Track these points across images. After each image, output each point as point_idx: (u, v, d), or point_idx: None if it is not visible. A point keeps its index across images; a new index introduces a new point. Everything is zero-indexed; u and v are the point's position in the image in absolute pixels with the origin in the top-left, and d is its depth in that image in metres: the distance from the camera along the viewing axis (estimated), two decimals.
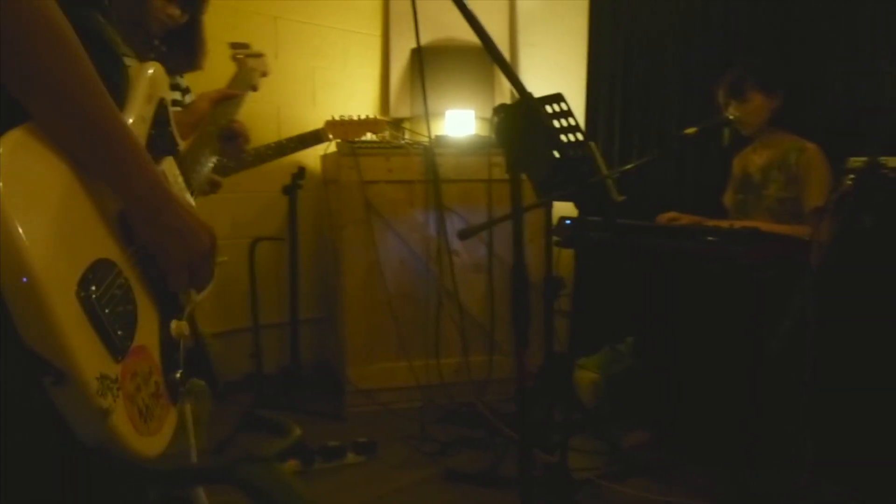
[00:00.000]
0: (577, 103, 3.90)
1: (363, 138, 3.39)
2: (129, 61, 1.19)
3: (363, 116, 3.32)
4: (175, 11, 2.34)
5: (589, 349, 3.45)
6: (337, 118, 3.27)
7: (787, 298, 2.07)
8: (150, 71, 1.17)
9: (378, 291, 3.42)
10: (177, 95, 2.52)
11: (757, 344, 2.27)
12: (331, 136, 3.24)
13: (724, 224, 2.61)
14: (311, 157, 3.85)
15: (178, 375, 1.06)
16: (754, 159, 2.94)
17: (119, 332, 0.90)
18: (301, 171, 3.55)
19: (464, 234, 2.40)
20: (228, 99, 1.74)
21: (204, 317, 3.53)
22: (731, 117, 2.82)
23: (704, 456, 2.64)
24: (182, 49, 2.48)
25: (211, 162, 1.57)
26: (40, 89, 0.86)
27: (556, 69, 4.20)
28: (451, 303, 3.46)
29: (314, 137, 3.21)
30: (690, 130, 2.70)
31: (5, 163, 0.80)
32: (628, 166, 2.96)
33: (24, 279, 0.77)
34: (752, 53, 3.08)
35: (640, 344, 3.15)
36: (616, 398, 3.21)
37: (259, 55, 2.05)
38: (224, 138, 1.68)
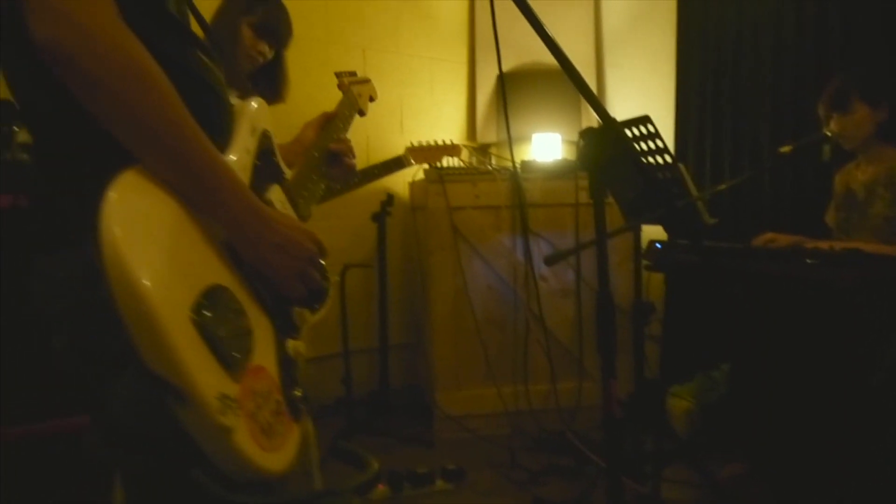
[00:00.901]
0: (665, 124, 3.83)
1: (447, 164, 3.44)
2: (231, 98, 1.24)
3: (441, 141, 3.37)
4: (264, 48, 2.45)
5: (682, 376, 3.35)
6: (416, 143, 3.34)
7: (894, 325, 1.96)
8: (253, 105, 1.22)
9: (466, 317, 3.43)
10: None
11: (861, 373, 2.15)
12: (412, 161, 3.30)
13: (825, 245, 2.50)
14: (400, 184, 3.92)
15: (297, 393, 1.08)
16: (857, 175, 2.80)
17: (235, 354, 0.94)
18: (390, 199, 3.61)
19: (550, 260, 2.38)
20: (331, 122, 1.79)
21: None
22: (829, 133, 2.70)
23: (805, 490, 2.51)
24: (267, 83, 2.58)
25: (318, 186, 1.61)
26: (131, 129, 0.91)
27: (644, 90, 4.14)
28: (540, 328, 3.43)
29: (397, 163, 3.30)
30: (785, 149, 2.60)
31: (118, 204, 0.85)
32: (720, 187, 2.87)
33: (142, 309, 0.83)
34: (851, 65, 2.95)
35: (736, 371, 3.03)
36: (711, 427, 3.10)
37: (365, 80, 2.11)
38: (328, 161, 1.72)
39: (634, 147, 2.46)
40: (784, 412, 2.60)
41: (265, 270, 1.06)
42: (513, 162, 2.62)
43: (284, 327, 1.12)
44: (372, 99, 2.11)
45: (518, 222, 3.46)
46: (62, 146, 1.00)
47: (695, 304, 3.57)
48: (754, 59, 3.46)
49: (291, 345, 1.11)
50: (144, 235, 0.88)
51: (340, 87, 2.11)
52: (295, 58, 2.66)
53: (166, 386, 0.85)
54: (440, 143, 3.38)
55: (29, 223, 1.06)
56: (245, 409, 0.92)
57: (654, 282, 3.33)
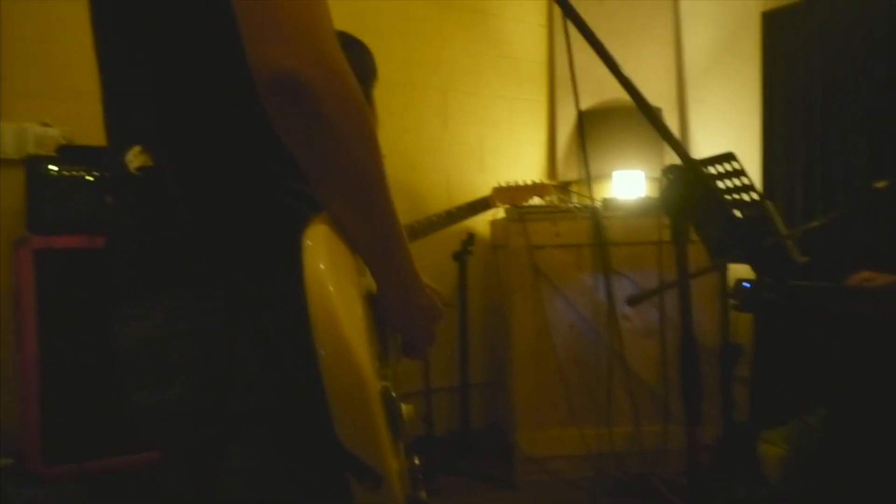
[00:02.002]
0: (752, 159, 3.74)
1: (531, 202, 3.42)
2: None
3: (530, 181, 3.35)
4: None
5: (774, 421, 3.21)
6: (504, 184, 3.32)
7: None
8: None
9: (547, 356, 3.39)
10: None
11: None
12: (498, 203, 3.27)
13: None
14: (481, 223, 3.93)
15: (416, 462, 1.00)
16: None
17: (401, 427, 0.86)
18: (470, 238, 3.63)
19: (632, 301, 2.35)
20: None
21: None
22: None
23: None
24: None
25: None
26: (344, 177, 0.84)
27: (729, 124, 4.05)
28: (623, 368, 3.36)
29: (482, 204, 3.26)
30: (881, 184, 2.50)
31: (322, 256, 0.78)
32: (812, 224, 2.78)
33: (356, 380, 0.74)
34: None
35: (833, 416, 2.89)
36: (806, 475, 2.96)
37: None
38: None
39: (716, 187, 2.41)
40: (883, 460, 2.47)
41: (404, 331, 1.01)
42: (591, 199, 2.57)
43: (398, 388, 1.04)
44: None
45: (600, 261, 3.42)
46: (222, 187, 0.90)
47: (786, 346, 3.43)
48: (846, 90, 3.35)
49: (404, 409, 1.00)
50: (341, 291, 0.78)
51: None
52: (379, 101, 2.72)
53: (365, 470, 0.74)
54: (528, 182, 3.31)
55: (130, 265, 0.92)
56: (401, 485, 0.82)
57: (743, 322, 3.23)
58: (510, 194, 3.28)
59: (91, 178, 2.59)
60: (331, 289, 0.75)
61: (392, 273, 0.93)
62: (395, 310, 0.96)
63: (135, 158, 0.88)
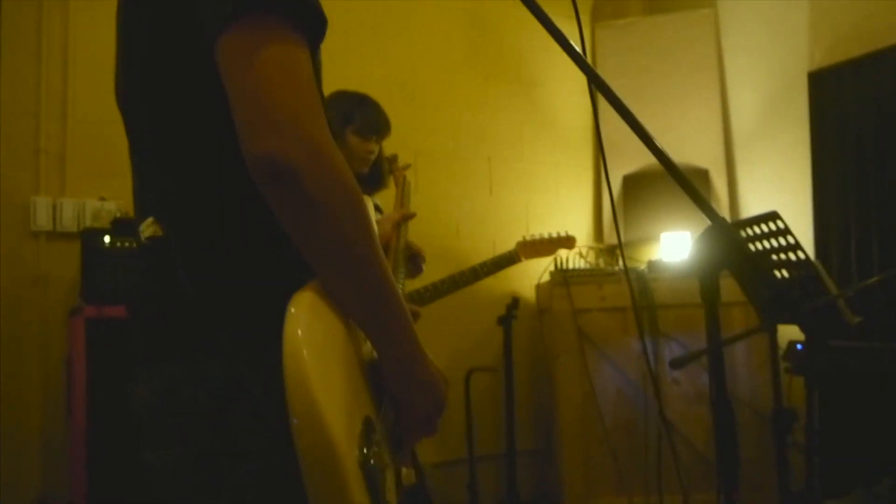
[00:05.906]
0: (804, 220, 3.65)
1: (574, 265, 3.38)
2: None
3: (554, 234, 3.15)
4: (373, 146, 2.55)
5: (836, 490, 3.06)
6: (528, 238, 3.12)
7: None
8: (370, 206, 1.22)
9: (595, 423, 3.32)
10: (377, 216, 2.68)
11: None
12: (523, 257, 3.09)
13: None
14: (527, 287, 3.92)
15: None
16: None
17: (386, 497, 0.88)
18: (515, 302, 3.61)
19: (676, 364, 2.29)
20: (407, 219, 1.80)
21: (421, 447, 3.61)
22: None
23: None
24: (371, 175, 2.67)
25: (402, 284, 1.61)
26: (337, 252, 0.88)
27: (779, 186, 3.99)
28: (673, 435, 3.26)
29: (507, 259, 3.06)
30: None
31: (302, 324, 0.81)
32: (868, 282, 2.69)
33: (328, 452, 0.76)
34: None
35: None
36: None
37: (407, 166, 2.11)
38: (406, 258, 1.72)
39: (747, 247, 2.36)
40: None
41: (406, 404, 1.00)
42: (624, 262, 2.52)
43: (397, 453, 1.04)
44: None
45: (646, 324, 3.36)
46: (219, 260, 0.94)
47: (847, 411, 3.29)
48: None
49: (405, 473, 1.03)
50: (322, 357, 0.82)
51: (394, 175, 2.11)
52: (425, 171, 2.75)
53: None
54: (552, 235, 3.13)
55: (141, 331, 0.99)
56: None
57: (798, 385, 3.11)
58: (535, 248, 3.09)
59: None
60: (306, 357, 0.77)
61: (388, 344, 0.95)
62: (393, 380, 0.98)
63: (146, 228, 0.94)
